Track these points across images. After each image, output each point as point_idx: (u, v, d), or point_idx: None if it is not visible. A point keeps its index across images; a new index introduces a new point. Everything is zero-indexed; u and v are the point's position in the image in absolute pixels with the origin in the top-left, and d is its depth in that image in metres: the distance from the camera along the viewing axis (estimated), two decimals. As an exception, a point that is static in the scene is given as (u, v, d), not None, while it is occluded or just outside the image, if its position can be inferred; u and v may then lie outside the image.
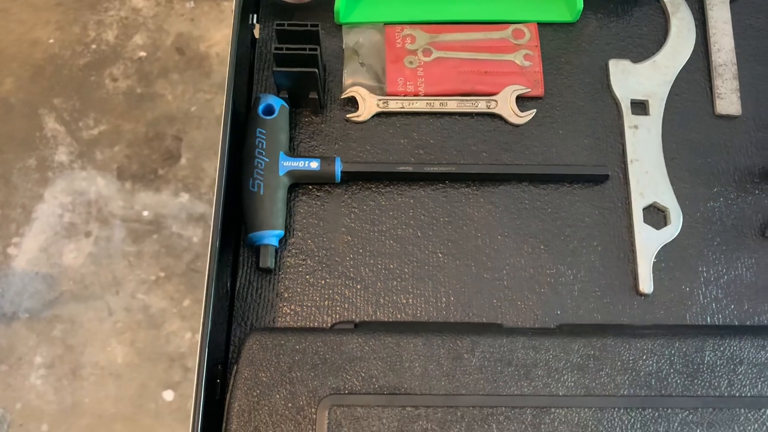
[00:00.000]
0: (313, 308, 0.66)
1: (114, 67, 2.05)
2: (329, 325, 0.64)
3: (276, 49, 0.67)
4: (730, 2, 0.78)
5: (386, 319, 0.65)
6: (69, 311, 1.79)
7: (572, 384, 0.53)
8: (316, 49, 0.67)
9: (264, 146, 0.67)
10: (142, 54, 2.10)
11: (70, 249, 1.84)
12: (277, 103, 0.69)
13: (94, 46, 2.13)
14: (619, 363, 0.54)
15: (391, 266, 0.67)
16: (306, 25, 0.69)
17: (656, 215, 0.69)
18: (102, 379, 1.71)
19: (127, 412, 1.46)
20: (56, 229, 1.92)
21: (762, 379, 0.53)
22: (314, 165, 0.68)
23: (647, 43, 0.77)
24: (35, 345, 1.60)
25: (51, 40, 2.17)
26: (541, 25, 0.77)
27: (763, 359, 0.53)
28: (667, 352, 0.54)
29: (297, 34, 0.69)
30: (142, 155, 1.96)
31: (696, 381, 0.53)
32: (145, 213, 1.81)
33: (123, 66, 2.03)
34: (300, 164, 0.67)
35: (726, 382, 0.53)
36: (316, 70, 0.67)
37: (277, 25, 0.69)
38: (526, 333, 0.56)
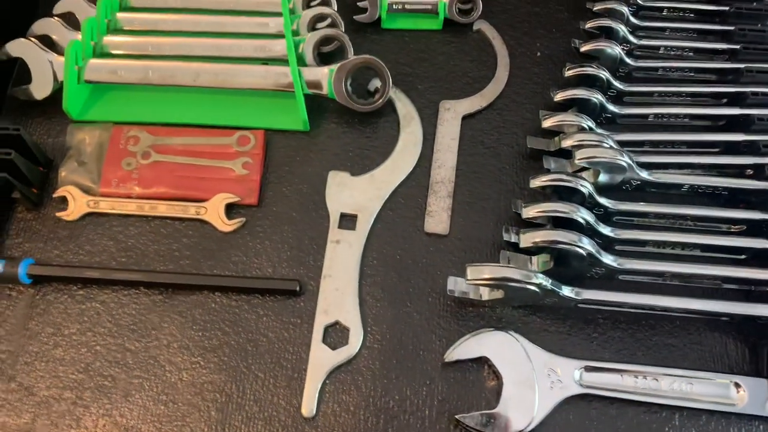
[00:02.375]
0: (-28, 414, 0.65)
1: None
2: (-24, 434, 0.63)
3: (-30, 151, 0.69)
4: (463, 118, 0.79)
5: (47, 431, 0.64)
6: None
7: None
8: (10, 153, 0.68)
9: (-53, 246, 0.68)
10: None
11: None
12: (-25, 201, 0.70)
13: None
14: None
15: (61, 374, 0.66)
16: (8, 129, 0.70)
17: (338, 334, 0.68)
18: None
19: None
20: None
21: None
22: (-3, 267, 0.68)
23: (376, 155, 0.77)
24: None
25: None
26: (275, 132, 0.78)
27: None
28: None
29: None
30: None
31: None
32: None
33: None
34: (-17, 265, 0.68)
35: None
36: (6, 175, 0.68)
37: (-21, 127, 0.70)
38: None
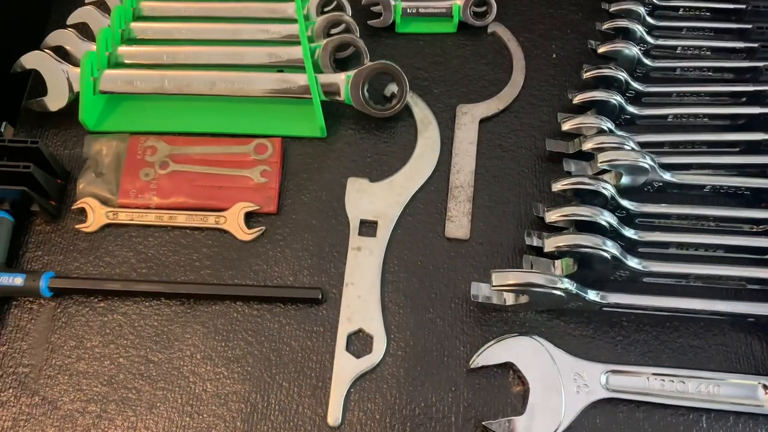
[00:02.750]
0: (-4, 429, 0.65)
1: None
2: (2, 449, 0.63)
3: (-13, 165, 0.68)
4: (480, 122, 0.79)
5: (68, 444, 0.64)
6: None
7: None
8: (29, 167, 0.68)
9: (-31, 261, 0.68)
10: None
11: None
12: (-5, 215, 0.70)
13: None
14: None
15: (84, 387, 0.66)
16: (26, 142, 0.70)
17: (361, 342, 0.67)
18: None
19: None
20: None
21: None
22: (18, 281, 0.68)
23: (394, 160, 0.77)
24: None
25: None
26: (292, 140, 0.78)
27: None
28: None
29: (17, 150, 0.70)
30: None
31: None
32: None
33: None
34: (4, 280, 0.67)
35: None
36: (26, 188, 0.68)
37: (-3, 140, 0.70)
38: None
